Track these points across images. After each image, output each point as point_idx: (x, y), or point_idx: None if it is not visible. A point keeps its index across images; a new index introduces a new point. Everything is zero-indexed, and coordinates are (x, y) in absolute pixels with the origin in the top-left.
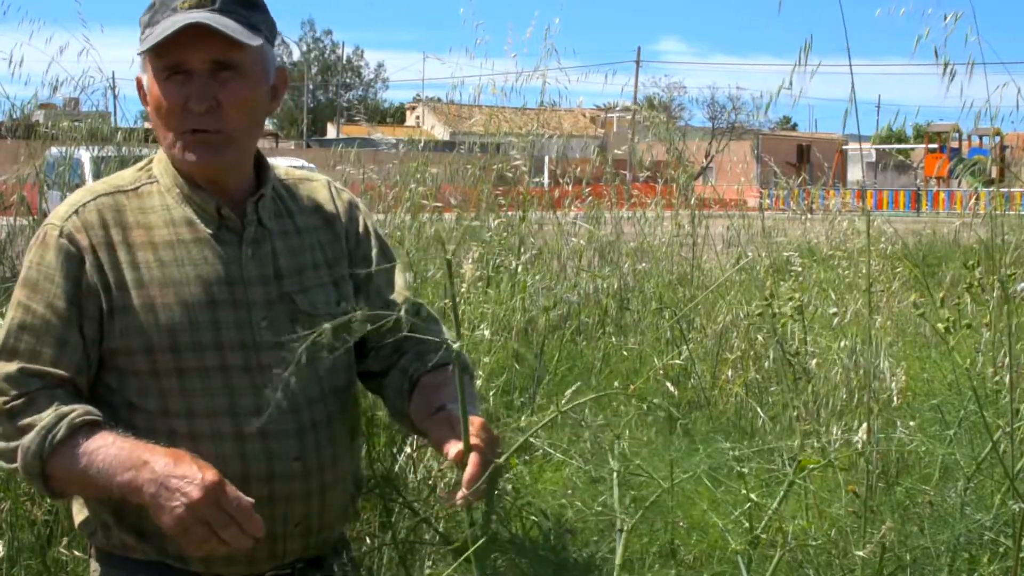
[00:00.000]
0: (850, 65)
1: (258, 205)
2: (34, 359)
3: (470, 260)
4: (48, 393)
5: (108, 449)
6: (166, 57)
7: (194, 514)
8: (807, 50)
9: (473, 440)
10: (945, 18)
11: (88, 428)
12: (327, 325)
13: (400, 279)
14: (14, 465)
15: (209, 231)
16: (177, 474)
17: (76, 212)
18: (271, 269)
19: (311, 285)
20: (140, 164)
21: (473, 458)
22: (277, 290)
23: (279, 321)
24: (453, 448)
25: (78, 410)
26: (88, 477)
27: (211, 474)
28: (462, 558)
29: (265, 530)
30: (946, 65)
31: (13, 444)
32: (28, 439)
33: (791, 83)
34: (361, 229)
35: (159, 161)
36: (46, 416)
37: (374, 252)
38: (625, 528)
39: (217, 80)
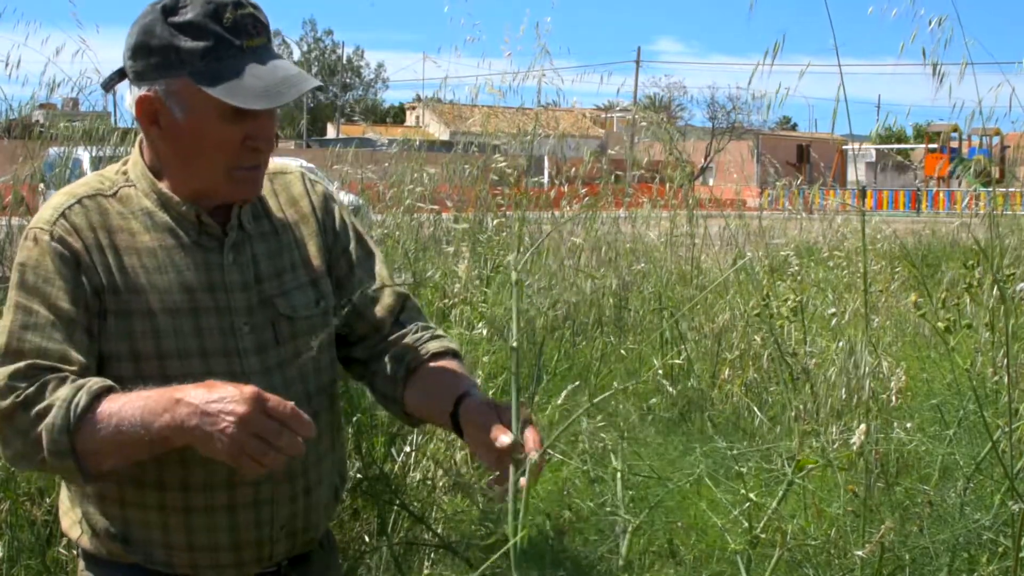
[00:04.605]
0: (839, 64)
1: (240, 209)
2: (42, 356)
3: (465, 260)
4: (59, 377)
5: (134, 402)
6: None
7: (246, 429)
8: (776, 50)
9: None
10: (930, 22)
11: (107, 391)
12: (315, 343)
13: (383, 270)
14: (41, 456)
15: (190, 238)
16: (214, 398)
17: (63, 215)
18: (251, 274)
19: (290, 288)
20: (114, 167)
21: (533, 441)
22: (258, 295)
23: (261, 326)
24: (503, 434)
25: (93, 379)
26: (122, 436)
27: (248, 387)
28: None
29: (253, 536)
30: (935, 66)
31: (34, 434)
32: (50, 418)
33: (750, 80)
34: (338, 223)
35: (135, 164)
36: (63, 391)
37: (352, 246)
38: (629, 528)
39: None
